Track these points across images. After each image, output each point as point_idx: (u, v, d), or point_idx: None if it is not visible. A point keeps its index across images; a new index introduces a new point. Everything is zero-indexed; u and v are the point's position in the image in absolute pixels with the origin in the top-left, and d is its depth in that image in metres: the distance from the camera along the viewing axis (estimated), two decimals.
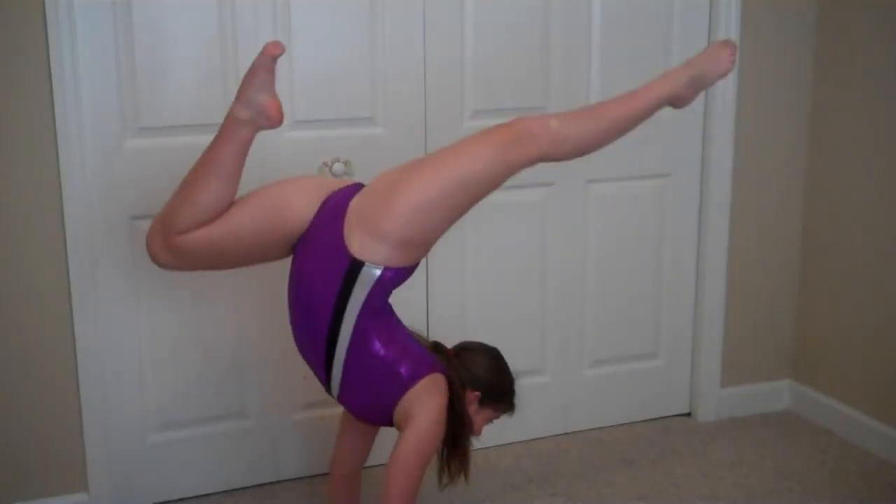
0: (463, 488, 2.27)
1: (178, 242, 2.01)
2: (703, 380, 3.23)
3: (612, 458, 2.98)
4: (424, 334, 2.51)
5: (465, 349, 2.29)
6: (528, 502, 2.72)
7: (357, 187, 2.14)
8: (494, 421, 2.33)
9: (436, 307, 2.88)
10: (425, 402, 2.07)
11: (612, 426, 3.19)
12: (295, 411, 2.81)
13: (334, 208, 2.07)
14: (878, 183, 2.94)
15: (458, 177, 2.05)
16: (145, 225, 2.43)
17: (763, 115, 3.10)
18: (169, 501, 2.73)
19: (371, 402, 2.14)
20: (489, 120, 2.81)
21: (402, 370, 2.08)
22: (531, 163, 2.12)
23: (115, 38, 2.45)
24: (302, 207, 2.09)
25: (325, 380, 2.16)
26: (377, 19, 2.66)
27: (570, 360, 3.11)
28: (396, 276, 2.06)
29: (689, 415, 3.28)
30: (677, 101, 2.23)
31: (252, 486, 2.81)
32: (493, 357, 2.31)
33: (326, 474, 2.47)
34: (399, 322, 2.16)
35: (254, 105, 1.98)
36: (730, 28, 2.98)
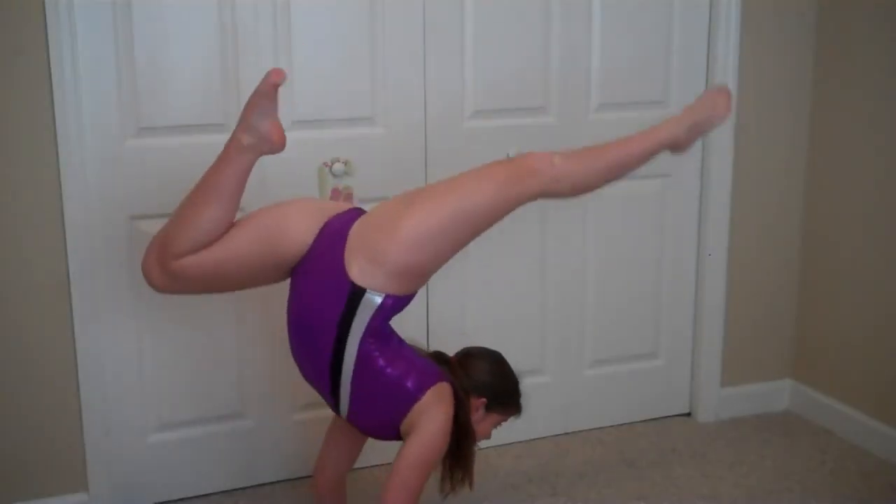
0: (465, 491, 2.26)
1: (175, 267, 1.99)
2: (703, 380, 3.23)
3: (612, 458, 2.98)
4: (425, 336, 2.51)
5: (468, 356, 2.28)
6: (528, 502, 2.72)
7: (358, 213, 2.13)
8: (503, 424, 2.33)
9: (436, 307, 2.88)
10: (432, 412, 2.06)
11: (612, 426, 3.18)
12: (295, 411, 2.81)
13: (334, 233, 2.06)
14: (878, 183, 2.94)
15: (459, 208, 2.05)
16: (145, 225, 2.45)
17: (763, 115, 3.09)
18: (169, 501, 2.73)
19: (381, 420, 2.12)
20: (489, 120, 2.84)
21: (409, 384, 2.06)
22: (532, 198, 2.13)
23: (115, 38, 2.45)
24: (301, 231, 2.08)
25: (333, 402, 2.14)
26: (377, 19, 2.66)
27: (570, 360, 3.11)
28: (396, 303, 2.04)
29: (689, 415, 3.28)
30: (676, 147, 2.27)
31: (252, 486, 2.81)
32: (496, 361, 2.30)
33: None
34: (401, 340, 2.14)
35: (256, 131, 1.97)
36: (730, 28, 2.98)
